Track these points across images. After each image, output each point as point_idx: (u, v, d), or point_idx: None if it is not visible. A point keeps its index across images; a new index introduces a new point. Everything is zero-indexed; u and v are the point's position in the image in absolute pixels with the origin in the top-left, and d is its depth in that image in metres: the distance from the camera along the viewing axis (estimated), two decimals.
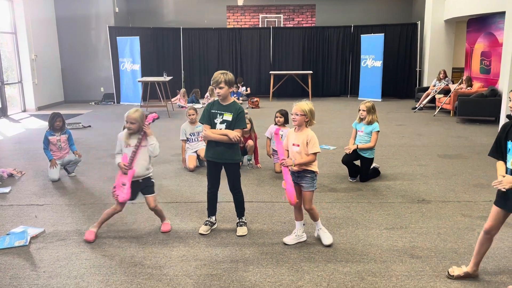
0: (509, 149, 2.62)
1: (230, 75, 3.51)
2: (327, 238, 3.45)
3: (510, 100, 2.63)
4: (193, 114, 5.76)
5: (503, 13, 9.01)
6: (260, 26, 14.16)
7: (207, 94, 11.74)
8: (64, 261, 3.21)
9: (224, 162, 3.60)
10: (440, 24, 12.03)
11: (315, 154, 3.33)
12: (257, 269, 3.07)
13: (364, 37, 12.59)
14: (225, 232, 3.71)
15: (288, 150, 3.44)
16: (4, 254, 3.36)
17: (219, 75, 3.47)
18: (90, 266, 3.14)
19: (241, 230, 3.67)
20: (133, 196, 3.59)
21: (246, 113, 5.88)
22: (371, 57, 12.37)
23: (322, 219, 3.94)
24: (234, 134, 3.46)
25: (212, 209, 3.78)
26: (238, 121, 3.52)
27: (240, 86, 12.95)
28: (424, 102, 10.69)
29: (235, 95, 12.43)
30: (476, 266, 2.89)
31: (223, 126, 3.51)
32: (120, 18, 13.37)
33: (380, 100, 12.26)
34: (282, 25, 14.19)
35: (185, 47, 13.39)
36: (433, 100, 10.57)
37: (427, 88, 11.20)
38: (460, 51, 12.57)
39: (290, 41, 13.43)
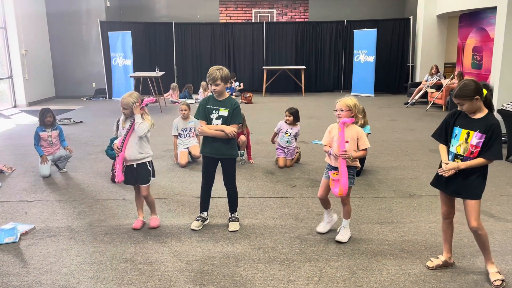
0: (456, 135, 2.78)
1: (226, 71, 3.48)
2: (341, 236, 3.42)
3: (462, 105, 2.75)
4: (185, 110, 5.74)
5: (494, 8, 9.04)
6: (253, 21, 14.10)
7: (201, 90, 11.70)
8: (54, 258, 3.19)
9: (221, 158, 3.59)
10: (433, 19, 12.06)
11: (366, 149, 3.32)
12: (249, 264, 3.07)
13: (357, 32, 12.59)
14: (217, 228, 3.70)
15: (329, 145, 3.38)
16: None
17: (215, 71, 3.43)
18: (80, 262, 3.13)
19: (233, 226, 3.67)
20: (128, 181, 3.60)
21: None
22: (364, 52, 12.38)
23: (314, 214, 3.96)
24: (231, 129, 3.45)
25: (204, 205, 3.77)
26: (234, 116, 3.50)
27: (233, 82, 12.91)
28: (416, 97, 10.73)
29: (228, 91, 12.39)
30: (449, 253, 3.01)
31: (219, 121, 3.50)
32: (111, 13, 13.25)
33: (372, 95, 12.29)
34: (275, 20, 14.15)
35: (178, 42, 13.31)
36: (425, 95, 10.61)
37: (419, 83, 11.24)
38: (452, 46, 12.63)
39: (283, 36, 13.40)
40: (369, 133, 5.14)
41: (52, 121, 5.34)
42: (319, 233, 3.53)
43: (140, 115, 3.50)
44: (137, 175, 3.61)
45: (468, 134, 2.71)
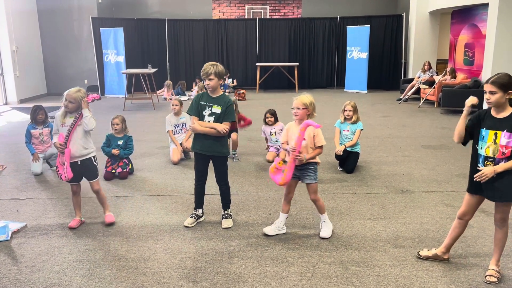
0: (483, 137, 2.70)
1: (220, 67, 3.49)
2: (324, 231, 3.44)
3: (486, 93, 2.68)
4: (177, 105, 5.72)
5: (486, 4, 9.10)
6: (246, 17, 14.06)
7: (195, 88, 11.64)
8: (46, 256, 3.17)
9: (212, 155, 3.58)
10: (425, 15, 12.10)
11: (322, 147, 3.34)
12: (242, 261, 3.07)
13: (350, 29, 12.60)
14: (210, 225, 3.70)
15: (286, 143, 3.42)
16: None
17: (209, 66, 3.45)
18: (73, 260, 3.11)
19: (226, 223, 3.67)
20: (74, 178, 3.54)
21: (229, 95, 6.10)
22: (357, 49, 12.40)
23: (307, 210, 3.98)
24: (222, 127, 3.44)
25: (199, 201, 3.76)
26: (227, 114, 3.50)
27: (226, 78, 12.88)
28: (409, 93, 10.77)
29: (222, 88, 12.35)
30: (445, 249, 3.01)
31: (212, 118, 3.49)
32: (103, 9, 13.14)
33: (365, 91, 12.32)
34: (268, 17, 14.11)
35: (170, 39, 13.24)
36: (417, 91, 10.66)
37: (412, 80, 11.29)
38: (444, 43, 12.68)
39: (276, 33, 13.38)
40: (362, 129, 5.20)
41: (44, 118, 5.29)
42: (265, 234, 3.47)
43: (87, 109, 3.46)
44: (83, 171, 3.58)
45: (496, 134, 2.64)
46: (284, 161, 3.30)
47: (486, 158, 2.68)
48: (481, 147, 2.71)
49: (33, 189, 4.67)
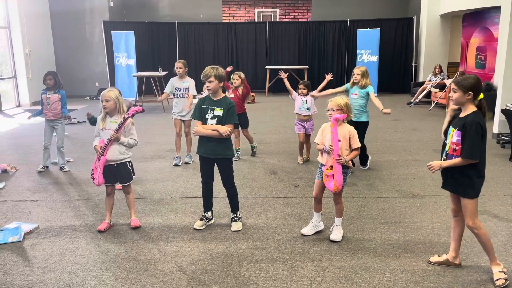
0: (449, 133, 2.85)
1: (220, 70, 3.54)
2: (335, 234, 3.43)
3: (455, 92, 2.76)
4: (180, 68, 5.60)
5: (498, 7, 9.00)
6: (256, 20, 14.09)
7: (206, 91, 11.71)
8: (58, 257, 3.21)
9: (216, 158, 3.60)
10: (436, 18, 12.02)
11: (358, 149, 3.37)
12: (252, 264, 3.07)
13: (360, 32, 12.56)
14: (220, 227, 3.71)
15: (322, 144, 3.41)
16: None
17: (209, 69, 3.52)
18: (84, 261, 3.14)
19: (236, 225, 3.67)
20: (109, 180, 3.61)
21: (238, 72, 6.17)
22: (367, 52, 12.34)
23: None
24: (225, 129, 3.45)
25: (207, 204, 3.77)
26: (229, 116, 3.51)
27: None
28: (420, 97, 10.70)
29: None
30: (454, 253, 3.00)
31: (214, 121, 3.51)
32: (114, 12, 13.28)
33: (376, 94, 12.23)
34: (278, 20, 14.13)
35: (181, 42, 13.32)
36: (428, 95, 10.59)
37: (422, 83, 11.21)
38: (455, 46, 12.57)
39: (286, 36, 13.39)
40: (373, 91, 5.22)
41: (53, 84, 5.45)
42: (303, 235, 3.52)
43: (121, 138, 3.53)
44: (118, 174, 3.62)
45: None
46: (331, 167, 3.30)
47: (445, 152, 2.86)
48: (447, 143, 2.87)
49: (45, 191, 4.72)
